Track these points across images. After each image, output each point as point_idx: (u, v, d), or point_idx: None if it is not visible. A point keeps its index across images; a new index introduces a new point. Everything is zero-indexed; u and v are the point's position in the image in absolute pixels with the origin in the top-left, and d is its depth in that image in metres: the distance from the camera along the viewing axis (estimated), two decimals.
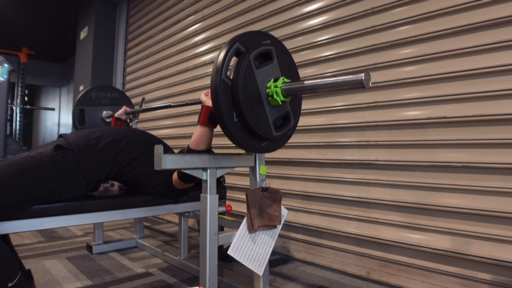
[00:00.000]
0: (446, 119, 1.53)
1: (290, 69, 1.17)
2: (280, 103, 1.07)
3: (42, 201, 1.20)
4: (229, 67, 1.02)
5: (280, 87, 1.06)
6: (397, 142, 1.68)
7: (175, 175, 1.40)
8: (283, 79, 1.08)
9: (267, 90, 1.07)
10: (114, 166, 1.38)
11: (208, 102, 1.22)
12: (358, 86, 0.88)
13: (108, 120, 2.29)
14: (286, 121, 1.16)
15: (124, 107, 2.05)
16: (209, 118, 1.23)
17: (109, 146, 1.38)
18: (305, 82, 1.02)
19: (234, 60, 1.07)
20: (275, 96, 1.06)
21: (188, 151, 1.33)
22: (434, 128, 1.57)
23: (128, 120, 2.43)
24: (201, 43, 2.98)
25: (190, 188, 1.49)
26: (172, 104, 1.86)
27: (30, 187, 1.13)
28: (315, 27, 2.05)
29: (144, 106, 2.10)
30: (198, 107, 2.91)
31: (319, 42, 2.03)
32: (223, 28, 2.73)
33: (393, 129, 1.71)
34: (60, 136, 1.41)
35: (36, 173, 1.15)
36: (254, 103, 1.03)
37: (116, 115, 2.03)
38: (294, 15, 2.17)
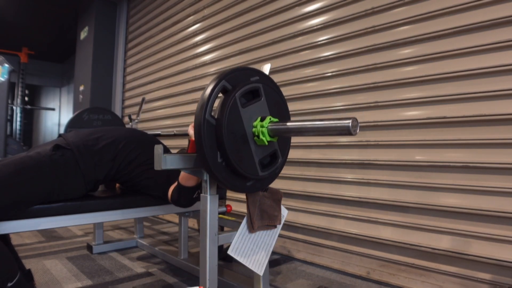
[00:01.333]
0: (446, 119, 1.53)
1: (278, 107, 1.12)
2: (267, 143, 1.02)
3: (42, 201, 1.20)
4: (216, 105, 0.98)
5: (266, 127, 1.01)
6: (397, 142, 1.68)
7: (169, 195, 1.40)
8: (270, 119, 1.03)
9: (253, 129, 1.03)
10: (113, 166, 1.38)
11: None
12: (345, 133, 0.85)
13: None
14: (273, 159, 1.11)
15: None
16: None
17: (108, 147, 1.38)
18: (292, 124, 0.98)
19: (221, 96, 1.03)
20: (261, 136, 1.01)
21: (178, 187, 1.32)
22: (434, 128, 1.57)
23: (128, 120, 2.44)
24: (201, 43, 2.98)
25: None
26: (161, 133, 2.00)
27: (29, 187, 1.13)
28: (315, 27, 2.05)
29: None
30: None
31: (319, 42, 2.03)
32: (223, 28, 2.73)
33: (393, 129, 1.71)
34: (60, 136, 1.41)
35: (34, 172, 1.15)
36: (239, 143, 0.99)
37: None
38: (294, 15, 2.17)
